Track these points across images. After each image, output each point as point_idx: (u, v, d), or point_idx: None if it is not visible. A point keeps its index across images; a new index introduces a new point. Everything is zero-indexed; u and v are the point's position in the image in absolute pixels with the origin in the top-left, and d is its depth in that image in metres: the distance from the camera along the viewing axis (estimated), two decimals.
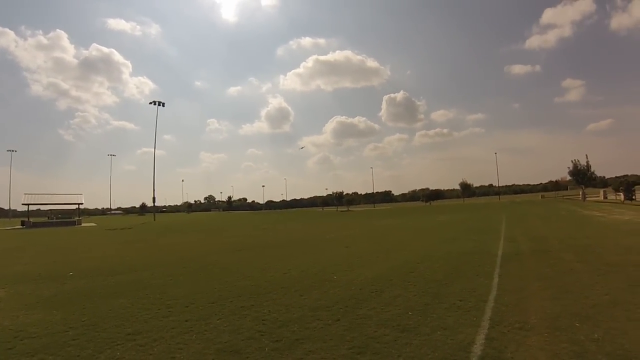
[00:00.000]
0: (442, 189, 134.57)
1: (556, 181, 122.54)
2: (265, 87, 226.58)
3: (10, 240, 31.59)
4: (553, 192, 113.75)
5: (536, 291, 7.64)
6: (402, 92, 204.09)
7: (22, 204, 63.48)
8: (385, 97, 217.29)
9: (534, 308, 6.48)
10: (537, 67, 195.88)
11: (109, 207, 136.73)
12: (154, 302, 8.13)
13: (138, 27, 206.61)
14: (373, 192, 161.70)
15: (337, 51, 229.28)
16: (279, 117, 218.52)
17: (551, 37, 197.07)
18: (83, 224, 60.94)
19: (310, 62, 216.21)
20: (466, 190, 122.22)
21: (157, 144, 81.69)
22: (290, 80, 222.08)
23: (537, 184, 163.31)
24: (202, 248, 20.19)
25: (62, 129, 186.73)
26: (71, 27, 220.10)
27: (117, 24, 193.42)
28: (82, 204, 67.88)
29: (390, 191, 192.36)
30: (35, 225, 58.67)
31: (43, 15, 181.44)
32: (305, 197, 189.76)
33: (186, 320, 6.67)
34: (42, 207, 69.13)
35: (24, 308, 8.10)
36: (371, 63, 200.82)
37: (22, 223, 60.68)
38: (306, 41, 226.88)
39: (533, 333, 5.31)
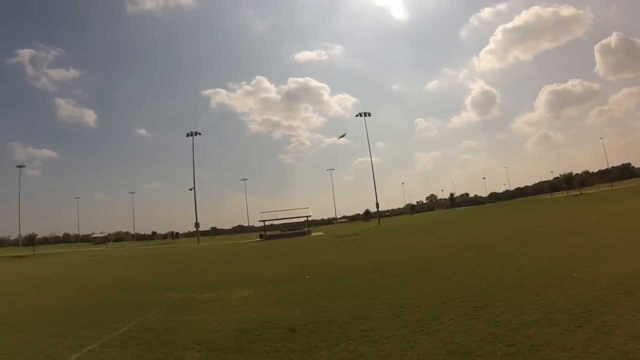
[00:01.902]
0: None
1: None
2: (462, 74, 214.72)
3: (252, 251, 38.52)
4: None
5: None
6: (614, 34, 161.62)
7: (259, 221, 78.35)
8: (596, 47, 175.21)
9: None
10: None
11: (335, 216, 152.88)
12: (386, 302, 8.72)
13: (323, 52, 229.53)
14: (607, 168, 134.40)
15: (523, 12, 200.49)
16: (484, 102, 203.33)
17: None
18: (312, 234, 69.45)
19: (498, 34, 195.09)
20: None
21: (372, 152, 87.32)
22: (484, 60, 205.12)
23: None
24: (429, 248, 20.59)
25: (282, 154, 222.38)
26: (267, 71, 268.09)
27: (303, 56, 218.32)
28: (310, 216, 78.26)
29: (629, 164, 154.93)
30: (271, 237, 70.04)
31: (243, 69, 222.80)
32: (530, 185, 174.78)
33: (417, 320, 6.93)
34: (275, 222, 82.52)
35: (268, 304, 9.89)
36: (566, 10, 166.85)
37: (260, 236, 73.57)
38: (485, 12, 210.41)
39: None
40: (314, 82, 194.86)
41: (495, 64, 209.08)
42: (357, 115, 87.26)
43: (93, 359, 6.69)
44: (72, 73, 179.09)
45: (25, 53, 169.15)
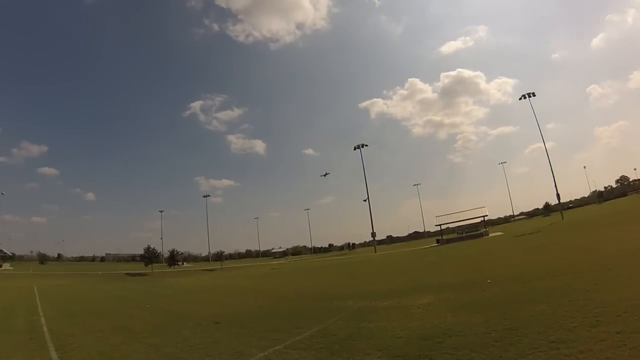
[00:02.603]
0: None
1: None
2: (630, 17, 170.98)
3: (430, 256, 37.88)
4: None
5: None
6: None
7: (435, 225, 76.10)
8: None
9: None
10: None
11: (512, 213, 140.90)
12: (578, 309, 7.66)
13: (467, 38, 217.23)
14: None
15: None
16: None
17: None
18: (490, 234, 65.32)
19: None
20: None
21: (544, 136, 77.54)
22: None
23: None
24: (627, 243, 17.19)
25: (449, 154, 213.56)
26: (417, 71, 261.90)
27: (448, 47, 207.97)
28: (486, 215, 73.40)
29: None
30: (448, 241, 67.88)
31: (394, 75, 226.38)
32: None
33: (618, 332, 5.91)
34: (451, 225, 79.58)
35: (450, 311, 9.60)
36: None
37: (437, 241, 71.78)
38: None
39: None
40: (466, 72, 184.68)
41: None
42: (520, 98, 78.55)
43: (278, 358, 7.41)
44: (237, 112, 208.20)
45: (196, 105, 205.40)
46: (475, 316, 8.49)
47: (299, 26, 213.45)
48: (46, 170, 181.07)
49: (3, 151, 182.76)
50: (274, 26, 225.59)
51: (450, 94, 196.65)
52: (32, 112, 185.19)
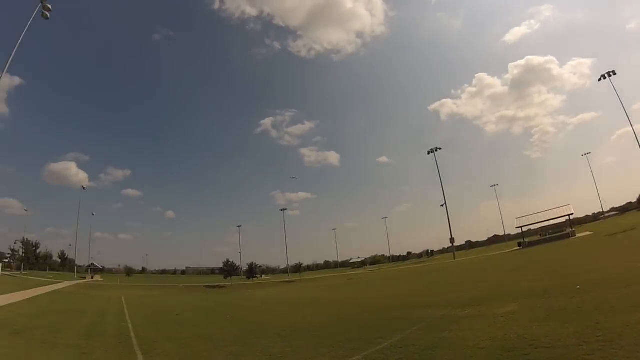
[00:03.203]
0: None
1: None
2: None
3: (512, 261, 35.93)
4: None
5: None
6: None
7: (516, 227, 71.77)
8: None
9: None
10: None
11: (601, 210, 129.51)
12: None
13: (532, 21, 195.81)
14: None
15: None
16: None
17: None
18: (578, 235, 60.65)
19: None
20: None
21: (631, 119, 69.29)
22: None
23: None
24: None
25: (526, 150, 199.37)
26: (483, 65, 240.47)
27: (513, 35, 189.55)
28: (572, 214, 68.08)
29: None
30: (530, 244, 63.76)
31: (460, 72, 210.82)
32: None
33: None
34: (532, 227, 74.86)
35: (536, 320, 9.06)
36: None
37: (519, 244, 67.59)
38: None
39: None
40: (536, 59, 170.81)
41: None
42: (599, 79, 71.24)
43: None
44: (308, 125, 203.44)
45: (267, 121, 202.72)
46: (564, 326, 7.94)
47: (359, 35, 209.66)
48: (130, 192, 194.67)
49: (92, 177, 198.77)
50: (334, 38, 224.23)
51: (521, 85, 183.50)
52: (115, 140, 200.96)
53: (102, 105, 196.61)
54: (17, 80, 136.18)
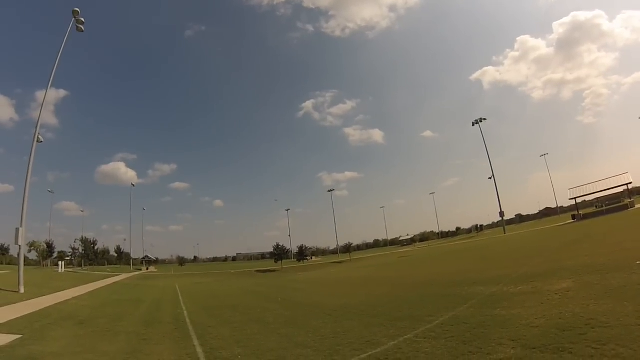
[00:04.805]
0: None
1: None
2: None
3: (566, 235, 34.43)
4: None
5: None
6: None
7: (569, 199, 68.26)
8: None
9: None
10: None
11: None
12: None
13: None
14: None
15: None
16: None
17: None
18: (637, 205, 57.02)
19: None
20: None
21: None
22: None
23: None
24: None
25: (578, 115, 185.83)
26: (525, 27, 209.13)
27: None
28: (630, 183, 63.82)
29: None
30: (585, 216, 60.69)
31: (500, 36, 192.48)
32: None
33: None
34: (587, 198, 70.87)
35: (592, 298, 8.67)
36: None
37: (573, 217, 64.51)
38: None
39: None
40: (583, 15, 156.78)
41: None
42: None
43: (409, 347, 7.34)
44: (350, 104, 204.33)
45: (308, 104, 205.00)
46: (623, 304, 7.52)
47: (391, 8, 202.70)
48: (177, 185, 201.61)
49: (141, 174, 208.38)
50: (367, 14, 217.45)
51: (568, 45, 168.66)
52: (159, 137, 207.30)
53: (143, 106, 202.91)
54: (62, 92, 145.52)
